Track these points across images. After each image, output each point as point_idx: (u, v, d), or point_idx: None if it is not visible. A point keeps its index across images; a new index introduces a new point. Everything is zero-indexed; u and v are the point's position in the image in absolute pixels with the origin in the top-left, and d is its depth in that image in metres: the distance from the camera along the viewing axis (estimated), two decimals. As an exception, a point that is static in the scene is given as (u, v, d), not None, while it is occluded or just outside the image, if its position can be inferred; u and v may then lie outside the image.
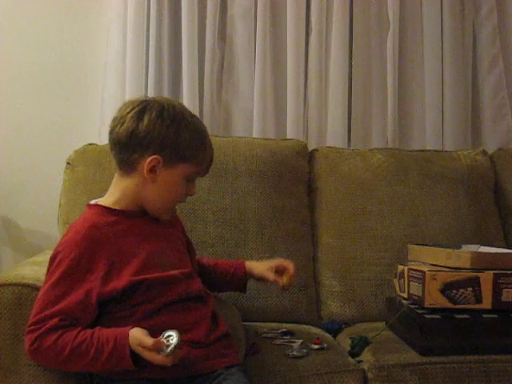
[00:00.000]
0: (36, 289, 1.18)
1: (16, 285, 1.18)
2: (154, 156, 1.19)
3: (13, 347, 1.16)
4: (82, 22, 2.16)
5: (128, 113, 1.20)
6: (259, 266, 1.46)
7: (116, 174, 1.26)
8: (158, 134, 1.19)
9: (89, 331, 1.11)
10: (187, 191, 1.27)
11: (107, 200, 1.25)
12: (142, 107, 1.20)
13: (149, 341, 1.06)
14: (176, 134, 1.20)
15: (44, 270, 1.18)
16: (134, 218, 1.24)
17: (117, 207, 1.23)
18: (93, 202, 1.27)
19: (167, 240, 1.28)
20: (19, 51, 2.13)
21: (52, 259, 1.16)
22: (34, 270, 1.31)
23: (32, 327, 1.10)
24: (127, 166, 1.22)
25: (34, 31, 2.14)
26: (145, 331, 1.09)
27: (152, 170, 1.20)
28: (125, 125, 1.20)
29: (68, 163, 1.85)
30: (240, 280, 1.47)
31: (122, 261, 1.17)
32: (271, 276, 1.42)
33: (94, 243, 1.16)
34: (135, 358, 1.08)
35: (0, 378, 1.15)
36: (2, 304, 1.16)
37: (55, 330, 1.09)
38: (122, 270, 1.17)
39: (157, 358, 1.06)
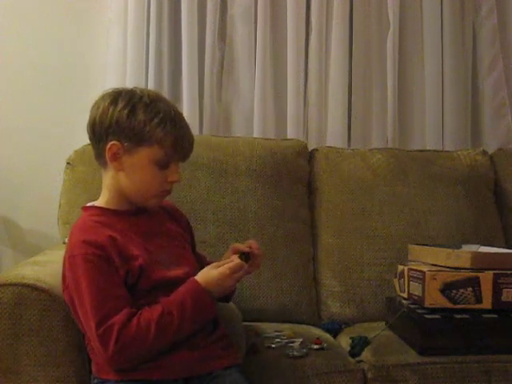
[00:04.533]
0: (36, 289, 1.18)
1: (16, 285, 1.18)
2: (112, 142, 1.18)
3: (13, 347, 1.16)
4: (82, 23, 2.16)
5: (92, 106, 1.22)
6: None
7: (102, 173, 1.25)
8: (110, 119, 1.17)
9: (157, 305, 1.12)
10: (167, 177, 1.22)
11: (100, 201, 1.24)
12: (100, 97, 1.21)
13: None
14: (129, 117, 1.17)
15: (44, 269, 1.18)
16: (130, 217, 1.23)
17: (111, 207, 1.23)
18: (88, 204, 1.26)
19: (167, 236, 1.27)
20: (19, 51, 2.13)
21: (71, 265, 1.14)
22: (34, 269, 1.30)
23: (102, 328, 1.08)
24: (99, 158, 1.22)
25: (34, 31, 2.14)
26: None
27: (115, 158, 1.18)
28: (88, 119, 1.21)
29: (68, 163, 1.85)
30: None
31: (128, 252, 1.16)
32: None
33: (102, 236, 1.15)
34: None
35: (0, 378, 1.15)
36: (2, 304, 1.16)
37: (130, 319, 1.09)
38: (131, 260, 1.15)
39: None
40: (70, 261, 1.15)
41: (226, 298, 1.39)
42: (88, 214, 1.23)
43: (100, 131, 1.19)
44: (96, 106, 1.21)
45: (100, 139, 1.19)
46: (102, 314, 1.09)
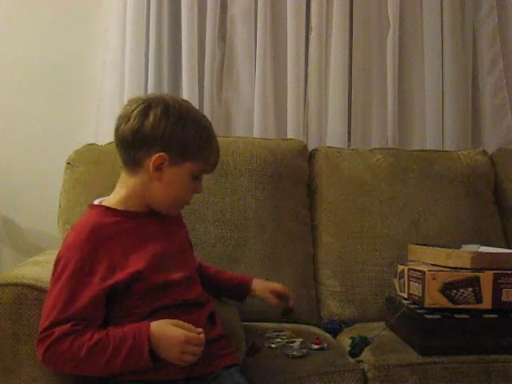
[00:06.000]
0: (36, 289, 1.18)
1: (16, 285, 1.18)
2: (161, 153, 1.17)
3: (13, 347, 1.16)
4: (82, 22, 2.16)
5: (133, 110, 1.19)
6: (261, 286, 1.50)
7: (122, 173, 1.24)
8: (163, 131, 1.17)
9: (103, 331, 1.10)
10: (194, 189, 1.25)
11: (112, 200, 1.23)
12: (147, 104, 1.19)
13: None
14: (182, 131, 1.18)
15: (44, 269, 1.18)
16: (138, 219, 1.22)
17: (121, 207, 1.21)
18: (96, 201, 1.25)
19: (172, 240, 1.27)
20: (18, 51, 2.13)
21: (56, 264, 1.15)
22: (34, 269, 1.30)
23: (44, 334, 1.09)
24: (133, 164, 1.20)
25: (33, 31, 2.14)
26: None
27: (158, 168, 1.18)
28: (130, 123, 1.18)
29: (68, 163, 1.85)
30: (241, 293, 1.51)
31: (124, 261, 1.16)
32: (273, 299, 1.49)
33: (96, 245, 1.15)
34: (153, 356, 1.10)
35: (0, 377, 1.15)
36: (2, 304, 1.16)
37: (69, 335, 1.08)
38: (125, 269, 1.15)
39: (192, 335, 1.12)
40: (57, 258, 1.16)
41: (241, 297, 1.50)
42: (93, 214, 1.22)
43: (146, 140, 1.17)
44: (142, 113, 1.18)
45: (142, 147, 1.18)
46: (54, 320, 1.09)
